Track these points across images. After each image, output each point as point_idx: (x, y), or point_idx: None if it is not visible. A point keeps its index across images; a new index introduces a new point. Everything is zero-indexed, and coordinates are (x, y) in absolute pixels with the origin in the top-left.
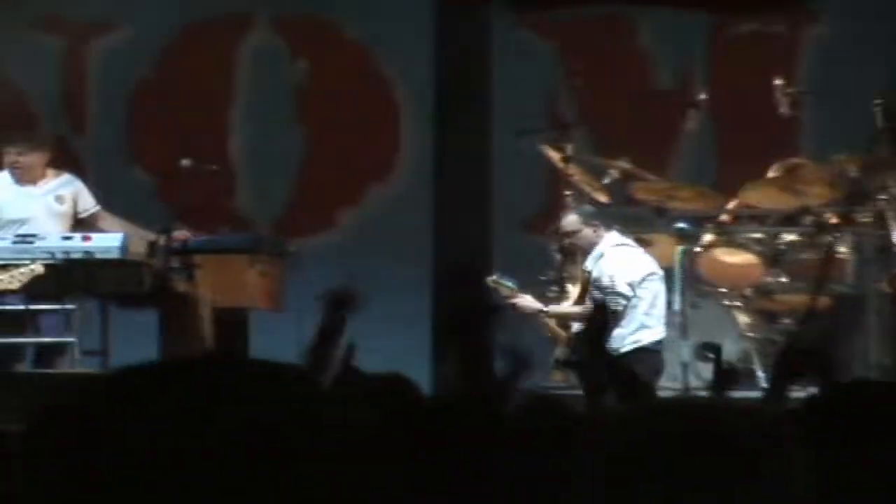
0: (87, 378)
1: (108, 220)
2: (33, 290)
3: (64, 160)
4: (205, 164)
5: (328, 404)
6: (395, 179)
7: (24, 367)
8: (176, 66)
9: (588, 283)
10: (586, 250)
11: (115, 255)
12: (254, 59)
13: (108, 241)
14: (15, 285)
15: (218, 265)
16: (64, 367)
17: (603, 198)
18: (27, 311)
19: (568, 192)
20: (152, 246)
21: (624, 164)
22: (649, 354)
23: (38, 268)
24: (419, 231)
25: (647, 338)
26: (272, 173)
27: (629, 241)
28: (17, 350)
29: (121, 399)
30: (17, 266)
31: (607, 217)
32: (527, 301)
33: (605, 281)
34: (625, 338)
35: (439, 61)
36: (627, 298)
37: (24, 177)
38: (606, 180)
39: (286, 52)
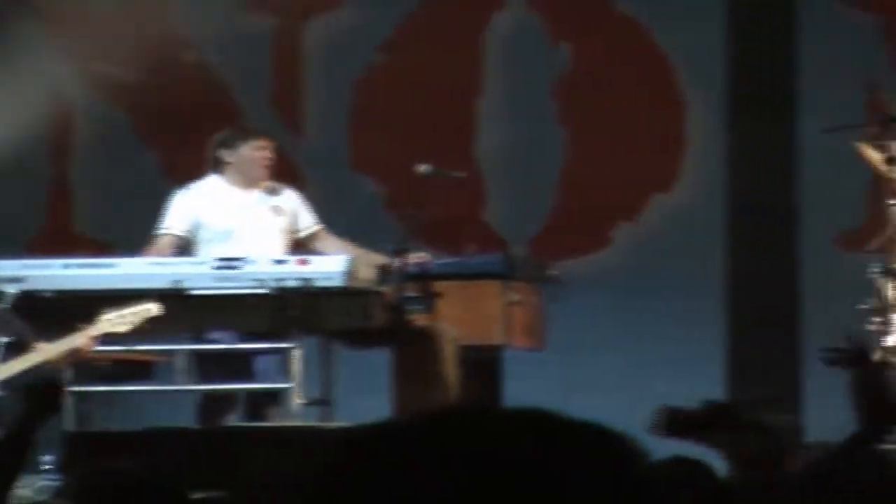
0: (329, 435)
1: (330, 240)
2: (150, 332)
3: (276, 166)
4: (447, 170)
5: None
6: (681, 188)
7: (234, 419)
8: (411, 52)
9: None
10: None
11: (338, 282)
12: (504, 42)
13: (329, 265)
14: (124, 328)
15: (463, 293)
16: (278, 418)
17: None
18: (233, 350)
19: (892, 202)
20: (383, 271)
21: None
22: None
23: (154, 308)
24: (709, 251)
25: None
26: (529, 181)
27: None
28: (227, 399)
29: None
30: (129, 304)
31: None
32: None
33: None
34: None
35: (731, 40)
36: None
37: (260, 177)
38: None
39: (543, 35)
